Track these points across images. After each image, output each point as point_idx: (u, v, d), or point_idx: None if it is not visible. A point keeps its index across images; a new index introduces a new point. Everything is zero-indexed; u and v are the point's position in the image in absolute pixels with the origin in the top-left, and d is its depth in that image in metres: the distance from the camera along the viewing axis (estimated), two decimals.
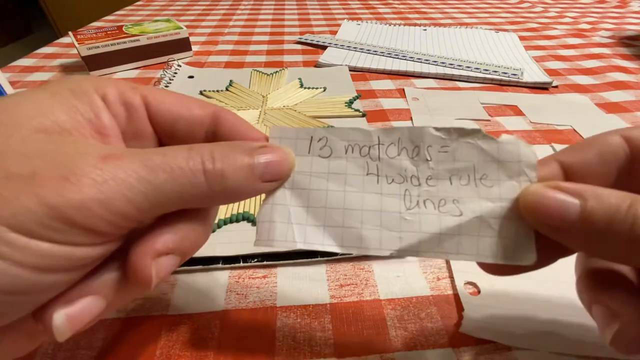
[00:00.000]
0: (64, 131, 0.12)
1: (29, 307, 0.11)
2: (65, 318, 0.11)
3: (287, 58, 0.55)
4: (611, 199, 0.11)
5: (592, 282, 0.15)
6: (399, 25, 0.70)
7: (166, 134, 0.16)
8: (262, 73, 0.48)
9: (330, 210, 0.15)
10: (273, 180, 0.14)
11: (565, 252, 0.14)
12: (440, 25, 0.71)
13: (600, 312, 0.14)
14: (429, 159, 0.14)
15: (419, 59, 0.52)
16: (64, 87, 0.13)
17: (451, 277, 0.22)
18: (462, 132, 0.14)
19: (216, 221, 0.24)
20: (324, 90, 0.44)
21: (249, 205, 0.26)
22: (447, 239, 0.14)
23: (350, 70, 0.49)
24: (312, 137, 0.15)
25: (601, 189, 0.12)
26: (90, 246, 0.11)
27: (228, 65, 0.52)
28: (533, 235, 0.13)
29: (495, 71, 0.47)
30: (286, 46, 0.60)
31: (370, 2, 0.94)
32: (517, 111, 0.40)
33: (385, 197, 0.15)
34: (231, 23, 0.74)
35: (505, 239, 0.13)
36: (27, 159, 0.10)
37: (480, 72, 0.47)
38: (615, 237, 0.11)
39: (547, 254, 0.14)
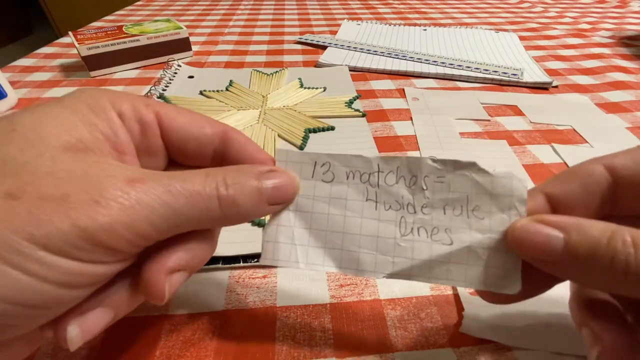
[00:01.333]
0: (87, 149, 0.13)
1: (45, 319, 0.12)
2: (78, 330, 0.12)
3: (287, 58, 0.55)
4: (593, 232, 0.12)
5: (581, 305, 0.15)
6: (399, 25, 0.70)
7: (176, 151, 0.16)
8: (262, 73, 0.48)
9: (331, 233, 0.16)
10: (279, 203, 0.15)
11: (557, 280, 0.15)
12: (440, 25, 0.71)
13: (587, 334, 0.14)
14: (425, 188, 0.15)
15: (419, 59, 0.52)
16: (82, 103, 0.14)
17: None
18: (458, 165, 0.15)
19: None
20: (324, 90, 0.44)
21: None
22: (437, 265, 0.15)
23: (350, 70, 0.49)
24: (315, 162, 0.16)
25: (584, 221, 0.12)
26: (110, 264, 0.12)
27: (228, 65, 0.52)
28: (519, 266, 0.14)
29: (495, 71, 0.47)
30: (286, 46, 0.60)
31: (370, 2, 0.94)
32: (517, 111, 0.40)
33: (382, 222, 0.15)
34: (231, 23, 0.74)
35: (492, 269, 0.14)
36: (58, 180, 0.11)
37: (480, 72, 0.47)
38: (598, 269, 0.12)
39: (541, 282, 0.15)
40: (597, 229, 0.12)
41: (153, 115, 0.15)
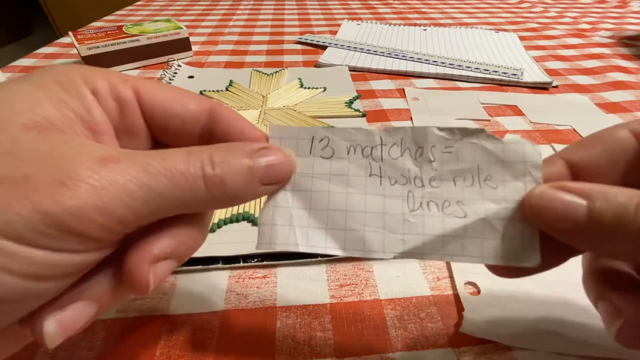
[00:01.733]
0: (56, 128, 0.11)
1: (18, 314, 0.11)
2: (57, 325, 0.11)
3: (287, 58, 0.55)
4: (619, 198, 0.11)
5: (599, 279, 0.14)
6: (399, 25, 0.70)
7: (159, 130, 0.15)
8: (262, 73, 0.48)
9: (333, 212, 0.14)
10: (274, 183, 0.14)
11: (573, 252, 0.14)
12: (440, 25, 0.71)
13: (606, 308, 0.14)
14: (432, 159, 0.14)
15: (419, 59, 0.52)
16: (50, 79, 0.12)
17: (451, 277, 0.22)
18: (466, 132, 0.14)
19: (216, 221, 0.24)
20: (324, 90, 0.44)
21: (250, 205, 0.26)
22: (451, 240, 0.14)
23: (350, 70, 0.49)
24: (313, 137, 0.15)
25: (609, 188, 0.11)
26: (84, 253, 0.11)
27: (228, 65, 0.52)
28: (537, 237, 0.13)
29: (495, 71, 0.47)
30: (286, 46, 0.60)
31: (370, 2, 0.94)
32: (517, 111, 0.40)
33: (388, 198, 0.14)
34: (231, 23, 0.74)
35: (510, 241, 0.13)
36: (20, 160, 0.10)
37: (480, 72, 0.47)
38: (624, 237, 0.11)
39: (556, 255, 0.14)
40: (624, 196, 0.11)
41: (131, 91, 0.14)
